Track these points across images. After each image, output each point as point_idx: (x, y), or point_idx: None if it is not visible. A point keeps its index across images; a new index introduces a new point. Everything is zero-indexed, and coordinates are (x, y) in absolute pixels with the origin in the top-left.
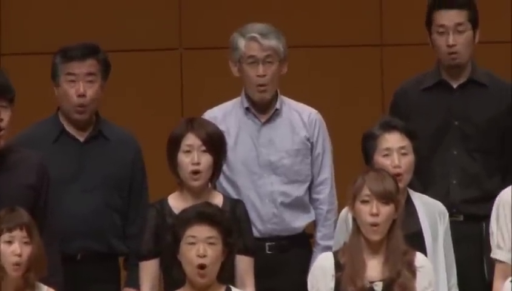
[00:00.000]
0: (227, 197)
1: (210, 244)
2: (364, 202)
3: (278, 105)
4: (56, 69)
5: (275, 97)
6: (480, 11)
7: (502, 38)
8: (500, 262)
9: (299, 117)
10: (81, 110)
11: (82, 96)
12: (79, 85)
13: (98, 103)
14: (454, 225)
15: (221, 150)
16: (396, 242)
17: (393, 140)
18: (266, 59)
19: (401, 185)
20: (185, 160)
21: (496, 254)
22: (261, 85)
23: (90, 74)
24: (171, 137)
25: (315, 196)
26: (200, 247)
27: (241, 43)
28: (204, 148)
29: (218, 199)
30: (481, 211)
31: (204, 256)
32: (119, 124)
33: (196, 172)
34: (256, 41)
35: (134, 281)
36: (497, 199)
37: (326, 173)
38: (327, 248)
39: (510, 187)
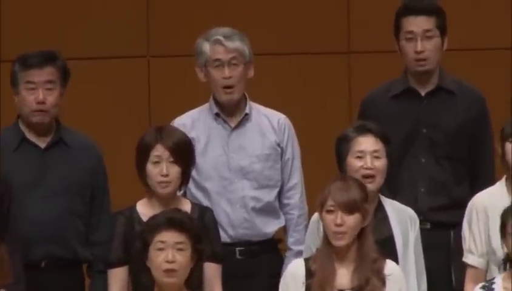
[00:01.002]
0: (195, 204)
1: (179, 249)
2: (329, 211)
3: (247, 110)
4: (15, 77)
5: (244, 102)
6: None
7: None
8: (472, 266)
9: (268, 123)
10: (40, 113)
11: (42, 103)
12: (38, 93)
13: (58, 109)
14: (421, 233)
15: (189, 158)
16: (366, 250)
17: (367, 143)
18: (231, 61)
19: (372, 186)
20: (153, 171)
21: (468, 258)
22: (228, 86)
23: (49, 81)
24: (140, 146)
25: (285, 201)
26: (169, 252)
27: (206, 47)
28: (172, 159)
29: (186, 206)
30: (449, 218)
31: (173, 261)
32: (88, 131)
33: (164, 182)
34: (220, 44)
35: (99, 288)
36: (470, 204)
37: (296, 178)
38: (300, 253)
39: (483, 192)
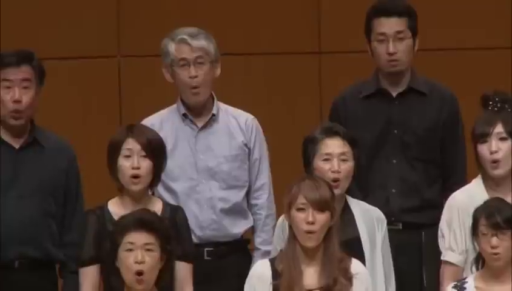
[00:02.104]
0: (166, 204)
1: (148, 250)
2: (299, 210)
3: (214, 111)
4: None
5: (211, 103)
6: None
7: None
8: (451, 264)
9: (236, 123)
10: (17, 115)
11: (18, 102)
12: (14, 91)
13: (34, 109)
14: (393, 234)
15: (160, 155)
16: (332, 249)
17: (334, 146)
18: (197, 60)
19: (337, 191)
20: (125, 165)
21: (447, 256)
22: (194, 87)
23: (25, 80)
24: (112, 142)
25: (253, 201)
26: (138, 253)
27: (171, 47)
28: (143, 153)
29: (157, 206)
30: (421, 219)
31: (142, 262)
32: (58, 131)
33: (136, 176)
34: (186, 43)
35: (71, 289)
36: (449, 202)
37: (264, 178)
38: (267, 253)
39: (461, 190)
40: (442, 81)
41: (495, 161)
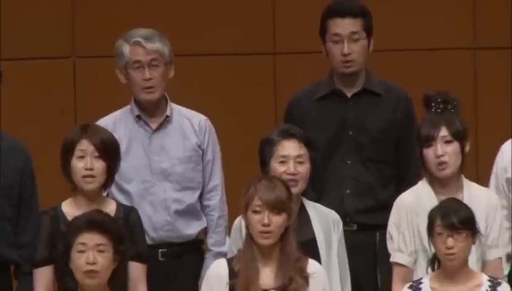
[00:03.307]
0: (120, 205)
1: (100, 251)
2: (255, 212)
3: (168, 112)
4: None
5: (165, 104)
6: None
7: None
8: (400, 265)
9: (189, 124)
10: None
11: None
12: None
13: None
14: (347, 235)
15: (114, 156)
16: (289, 249)
17: (290, 148)
18: (151, 63)
19: (295, 190)
20: (78, 166)
21: (396, 257)
22: (148, 87)
23: None
24: (65, 142)
25: (206, 202)
26: (90, 254)
27: (126, 49)
28: (97, 154)
29: (111, 206)
30: (375, 220)
31: (94, 263)
32: (13, 132)
33: (89, 176)
34: (140, 45)
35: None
36: (397, 204)
37: (217, 179)
38: (219, 254)
39: (407, 191)
40: (402, 83)
41: (441, 164)
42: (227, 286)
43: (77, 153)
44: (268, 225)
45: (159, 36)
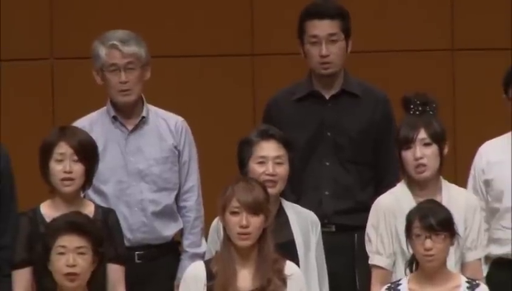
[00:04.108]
0: (98, 206)
1: (80, 253)
2: (233, 213)
3: (144, 113)
4: None
5: (141, 105)
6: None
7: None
8: (379, 267)
9: (166, 125)
10: None
11: None
12: None
13: None
14: (326, 236)
15: (93, 158)
16: (267, 251)
17: (269, 149)
18: (127, 66)
19: (273, 191)
20: (57, 168)
21: (375, 260)
22: (124, 90)
23: None
24: (44, 145)
25: (182, 203)
26: (70, 256)
27: (102, 51)
28: (75, 157)
29: (89, 208)
30: (354, 222)
31: (74, 265)
32: None
33: (67, 179)
34: (116, 49)
35: None
36: (375, 205)
37: (193, 180)
38: (195, 256)
39: (385, 194)
40: (380, 84)
41: (419, 166)
42: (205, 288)
43: (55, 156)
44: (246, 226)
45: (135, 38)
